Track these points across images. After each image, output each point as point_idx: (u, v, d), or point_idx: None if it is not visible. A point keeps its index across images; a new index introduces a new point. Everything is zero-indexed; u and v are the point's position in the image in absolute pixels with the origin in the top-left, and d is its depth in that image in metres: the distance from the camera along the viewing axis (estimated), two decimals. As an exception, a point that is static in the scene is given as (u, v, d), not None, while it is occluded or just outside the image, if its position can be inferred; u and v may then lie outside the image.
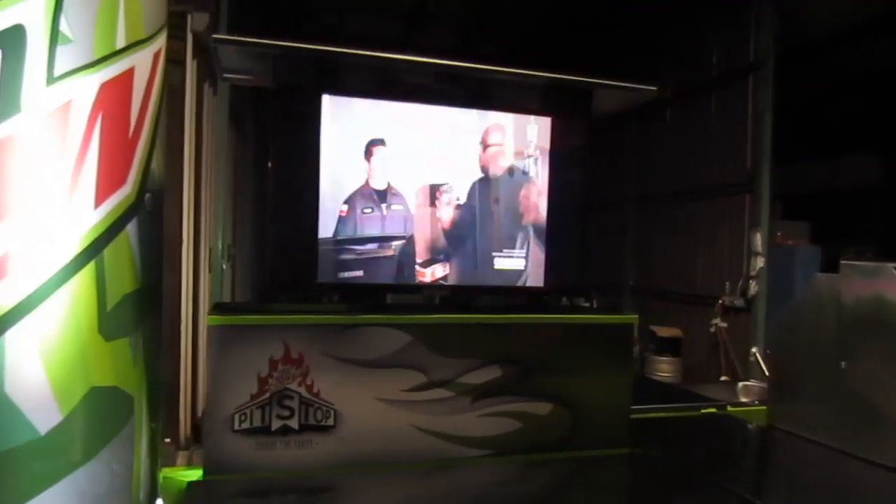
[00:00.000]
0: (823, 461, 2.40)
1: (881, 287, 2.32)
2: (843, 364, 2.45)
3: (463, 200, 2.29)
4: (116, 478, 1.96)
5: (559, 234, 2.40)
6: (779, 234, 6.16)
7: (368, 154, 2.23)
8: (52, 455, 1.78)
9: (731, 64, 6.44)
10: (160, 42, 2.17)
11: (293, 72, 2.13)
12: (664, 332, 6.74)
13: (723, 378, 5.52)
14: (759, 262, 5.99)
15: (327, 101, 2.17)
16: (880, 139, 8.21)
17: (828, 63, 7.38)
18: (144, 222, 2.08)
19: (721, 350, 6.21)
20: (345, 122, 2.21)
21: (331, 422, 2.14)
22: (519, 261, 2.39)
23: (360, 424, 2.17)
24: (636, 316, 2.47)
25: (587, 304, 8.57)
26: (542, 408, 2.36)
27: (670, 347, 6.67)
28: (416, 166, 2.28)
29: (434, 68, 2.23)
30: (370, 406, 2.17)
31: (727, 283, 6.38)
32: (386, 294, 2.32)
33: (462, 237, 2.31)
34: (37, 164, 1.76)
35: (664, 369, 6.63)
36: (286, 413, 2.10)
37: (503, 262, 2.37)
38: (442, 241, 2.29)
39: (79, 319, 1.83)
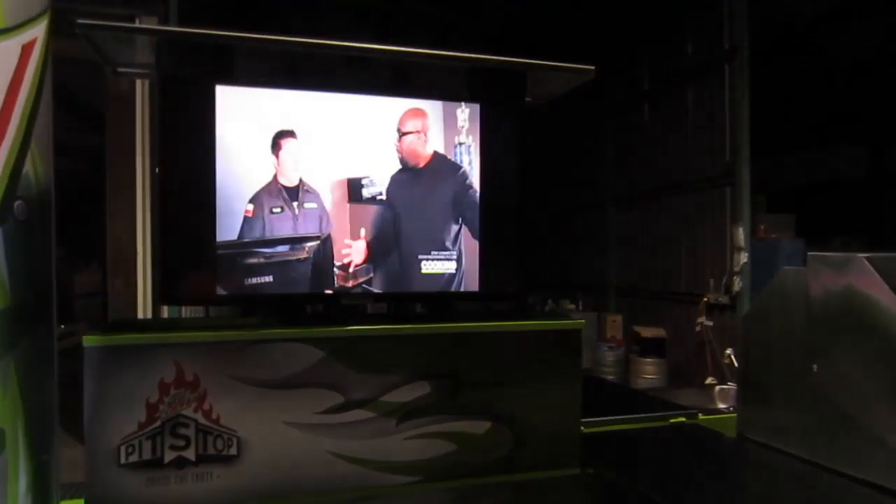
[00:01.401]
0: (794, 476, 2.16)
1: (852, 280, 2.09)
2: (814, 366, 2.21)
3: (384, 196, 2.05)
4: (-20, 524, 1.71)
5: (494, 232, 2.17)
6: (762, 227, 5.95)
7: (276, 148, 2.00)
8: None
9: (707, 53, 6.25)
10: (34, 33, 1.93)
11: (180, 61, 1.89)
12: (648, 332, 6.52)
13: (708, 380, 5.30)
14: (742, 258, 5.77)
15: (222, 92, 1.94)
16: (867, 128, 7.99)
17: (810, 49, 7.17)
18: (14, 233, 1.84)
19: (707, 350, 5.99)
20: (248, 114, 1.98)
21: (234, 451, 1.90)
22: (449, 263, 2.15)
23: (269, 453, 1.93)
24: (582, 321, 2.23)
25: (572, 306, 8.35)
26: (479, 426, 2.12)
27: (655, 348, 6.45)
28: (330, 160, 2.05)
29: (343, 52, 2.00)
30: (279, 432, 1.93)
31: (711, 280, 6.18)
32: (300, 304, 2.07)
33: (384, 237, 2.08)
34: None
35: (648, 371, 6.40)
36: (181, 443, 1.86)
37: (431, 266, 2.14)
38: (363, 242, 2.05)
39: (-79, 347, 1.59)
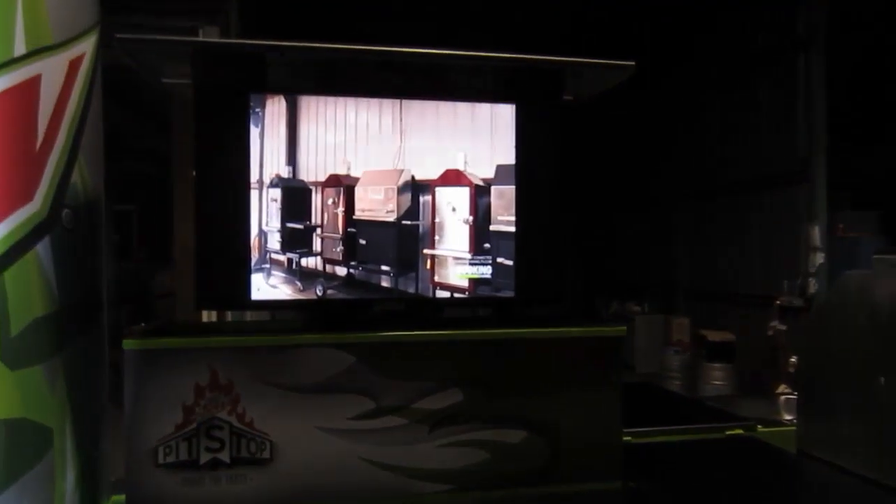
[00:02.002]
0: (856, 499, 2.00)
1: (923, 286, 1.92)
2: (882, 379, 2.05)
3: (421, 199, 2.04)
4: (29, 517, 1.79)
5: (531, 236, 2.11)
6: (840, 225, 5.61)
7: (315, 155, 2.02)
8: (-55, 496, 1.63)
9: (779, 40, 5.94)
10: (81, 49, 2.02)
11: (214, 71, 1.93)
12: (715, 336, 6.24)
13: (780, 389, 5.03)
14: (819, 258, 5.46)
15: (264, 101, 1.96)
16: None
17: (893, 32, 6.70)
18: (62, 240, 1.93)
19: (780, 356, 5.69)
20: (282, 122, 2.00)
21: (266, 454, 1.93)
22: (485, 268, 2.11)
23: (301, 457, 1.94)
24: (622, 328, 2.14)
25: (638, 308, 8.13)
26: (514, 435, 2.07)
27: (722, 353, 6.16)
28: (370, 164, 2.04)
29: (376, 56, 1.99)
30: (311, 436, 1.94)
31: (785, 281, 5.87)
32: (332, 309, 2.08)
33: (420, 241, 2.06)
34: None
35: (716, 377, 6.12)
36: (216, 445, 1.90)
37: (465, 270, 2.10)
38: (396, 247, 2.04)
39: (-27, 349, 1.68)
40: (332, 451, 1.95)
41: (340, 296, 2.06)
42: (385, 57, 2.01)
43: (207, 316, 4.59)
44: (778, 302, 5.76)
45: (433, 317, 2.18)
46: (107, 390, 2.16)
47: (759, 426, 2.67)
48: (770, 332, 5.82)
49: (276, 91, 2.00)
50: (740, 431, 2.64)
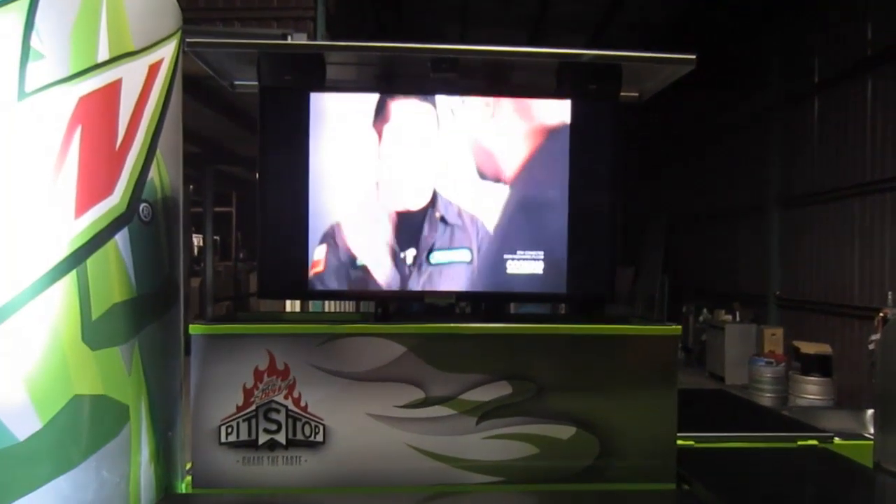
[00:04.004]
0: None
1: None
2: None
3: (471, 194, 2.07)
4: (107, 485, 1.95)
5: (584, 232, 2.10)
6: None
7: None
8: (32, 461, 1.81)
9: (890, 37, 5.57)
10: (161, 54, 2.19)
11: (277, 72, 2.04)
12: (810, 348, 5.91)
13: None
14: (925, 267, 5.08)
15: (318, 99, 2.06)
16: None
17: None
18: (140, 232, 2.09)
19: (881, 370, 5.32)
20: (350, 123, 2.09)
21: (320, 438, 2.01)
22: (536, 264, 2.11)
23: (351, 442, 2.01)
24: (678, 328, 2.08)
25: (728, 317, 7.79)
26: (563, 431, 2.06)
27: (818, 366, 5.83)
28: (416, 163, 2.10)
29: (432, 54, 2.04)
30: (361, 422, 2.01)
31: (889, 293, 5.49)
32: (385, 300, 2.15)
33: (470, 236, 2.09)
34: (11, 177, 1.82)
35: (811, 391, 5.80)
36: (273, 427, 2.00)
37: (518, 266, 2.11)
38: (447, 242, 2.08)
39: (59, 328, 1.86)
40: (380, 437, 2.01)
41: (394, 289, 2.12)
42: (440, 55, 2.06)
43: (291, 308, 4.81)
44: (881, 314, 5.39)
45: (486, 311, 2.21)
46: (181, 376, 2.32)
47: (836, 439, 2.51)
48: (871, 346, 5.44)
49: (334, 90, 2.09)
50: (814, 443, 2.49)
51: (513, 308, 2.62)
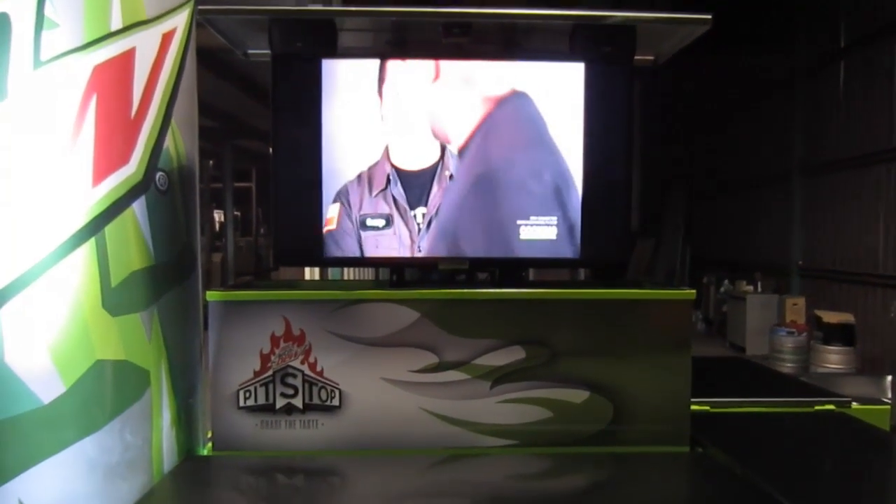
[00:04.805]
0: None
1: None
2: None
3: (480, 158, 2.06)
4: (130, 448, 2.01)
5: (598, 198, 2.09)
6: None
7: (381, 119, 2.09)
8: (57, 424, 1.86)
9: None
10: (174, 23, 2.19)
11: (287, 39, 2.04)
12: (832, 317, 5.85)
13: (901, 371, 4.64)
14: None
15: (331, 66, 2.06)
16: None
17: None
18: (156, 201, 2.12)
19: (906, 339, 5.26)
20: (358, 88, 2.09)
21: (336, 402, 2.04)
22: (550, 229, 2.11)
23: (367, 406, 2.04)
24: (692, 291, 2.07)
25: (749, 287, 7.73)
26: (577, 395, 2.07)
27: (840, 336, 5.77)
28: (426, 126, 2.09)
29: (444, 18, 2.02)
30: (377, 387, 2.04)
31: (915, 259, 5.39)
32: (399, 267, 2.16)
33: (482, 201, 2.09)
34: (29, 146, 1.85)
35: (832, 360, 5.75)
36: (290, 391, 2.04)
37: (531, 231, 2.11)
38: (458, 208, 2.08)
39: (79, 295, 1.90)
40: (396, 401, 2.04)
41: (407, 255, 2.13)
42: (453, 18, 2.04)
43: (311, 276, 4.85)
44: (905, 281, 5.31)
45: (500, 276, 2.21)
46: (200, 343, 2.36)
47: (854, 404, 2.50)
48: (893, 314, 5.38)
49: (346, 57, 2.09)
50: (831, 407, 2.48)
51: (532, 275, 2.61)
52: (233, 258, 9.67)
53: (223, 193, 9.82)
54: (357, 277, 5.16)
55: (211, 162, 9.63)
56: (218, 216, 10.77)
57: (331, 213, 2.08)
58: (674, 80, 9.24)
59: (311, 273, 4.37)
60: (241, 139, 9.72)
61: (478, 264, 2.16)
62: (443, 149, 2.08)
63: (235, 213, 10.55)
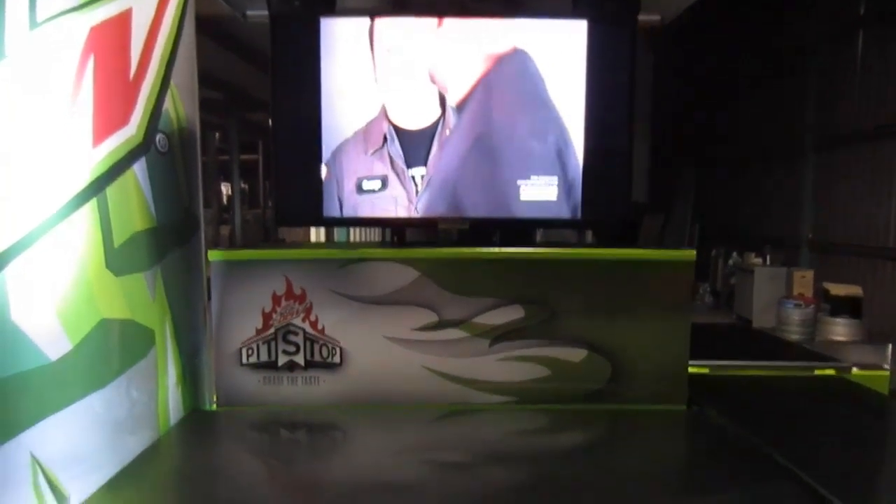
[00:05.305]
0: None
1: None
2: None
3: (481, 116, 2.06)
4: (137, 405, 2.04)
5: (599, 159, 2.08)
6: None
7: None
8: (64, 380, 1.89)
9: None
10: (169, -17, 2.18)
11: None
12: (840, 290, 5.82)
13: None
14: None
15: (330, 24, 2.05)
16: None
17: None
18: (157, 163, 2.13)
19: (914, 311, 5.24)
20: (357, 45, 2.08)
21: (337, 359, 2.07)
22: (550, 189, 2.11)
23: (368, 363, 2.07)
24: (693, 252, 2.07)
25: (758, 260, 7.69)
26: (575, 354, 2.08)
27: (847, 308, 5.74)
28: (426, 81, 2.09)
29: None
30: (378, 345, 2.06)
31: (925, 232, 5.34)
32: (399, 227, 2.17)
33: (482, 160, 2.09)
34: (28, 106, 1.86)
35: (839, 332, 5.73)
36: (292, 349, 2.07)
37: (531, 192, 2.11)
38: (458, 168, 2.09)
39: (83, 255, 1.92)
40: (396, 359, 2.06)
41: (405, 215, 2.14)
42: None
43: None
44: (915, 253, 5.27)
45: (498, 235, 2.22)
46: (204, 305, 2.39)
47: (854, 369, 2.50)
48: (902, 286, 5.35)
49: (344, 15, 2.08)
50: (832, 372, 2.49)
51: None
52: (240, 231, 9.72)
53: (230, 166, 9.84)
54: (363, 239, 5.16)
55: (217, 134, 9.64)
56: (225, 189, 10.83)
57: (329, 172, 2.09)
58: (685, 52, 9.12)
59: (316, 236, 4.39)
60: (248, 112, 9.71)
61: (478, 224, 2.16)
62: (443, 106, 2.07)
63: (243, 185, 10.58)
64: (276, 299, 2.05)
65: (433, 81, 2.07)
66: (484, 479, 1.64)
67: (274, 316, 2.06)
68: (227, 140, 9.87)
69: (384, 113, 2.05)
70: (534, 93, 2.08)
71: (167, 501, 1.50)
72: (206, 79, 2.13)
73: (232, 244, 10.45)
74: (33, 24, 1.83)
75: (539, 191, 2.12)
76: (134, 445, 1.96)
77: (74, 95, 1.89)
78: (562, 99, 2.11)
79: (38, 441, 1.88)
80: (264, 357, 2.07)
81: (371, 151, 2.07)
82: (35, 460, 1.87)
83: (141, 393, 2.07)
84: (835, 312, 5.87)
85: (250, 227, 10.43)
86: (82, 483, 1.82)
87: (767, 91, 8.18)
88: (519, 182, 2.12)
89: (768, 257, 7.63)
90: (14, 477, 1.86)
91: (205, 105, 2.36)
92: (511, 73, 2.07)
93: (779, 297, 6.75)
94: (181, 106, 2.23)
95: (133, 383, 2.04)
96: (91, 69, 1.91)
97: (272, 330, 2.06)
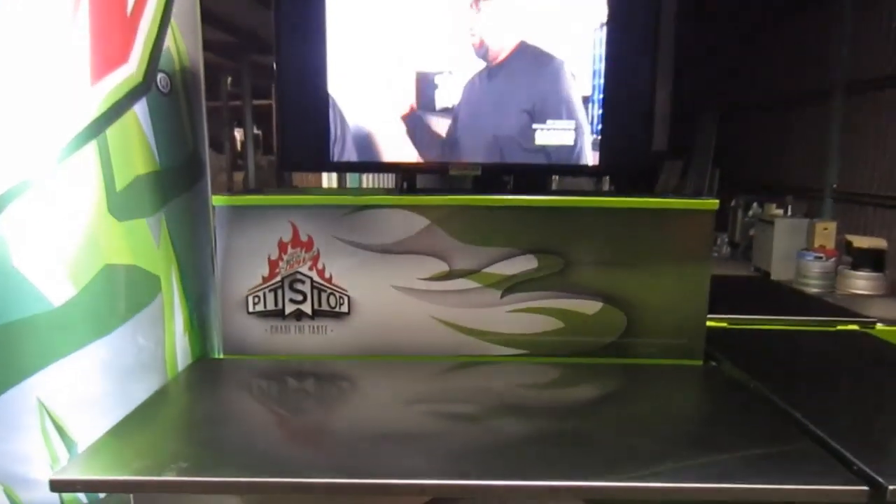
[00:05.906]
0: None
1: None
2: None
3: (497, 59, 1.96)
4: (144, 351, 2.03)
5: (618, 104, 1.98)
6: None
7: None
8: (69, 326, 1.87)
9: None
10: (169, -81, 2.07)
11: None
12: (862, 242, 5.69)
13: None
14: None
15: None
16: None
17: None
18: (159, 104, 2.06)
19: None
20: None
21: (345, 308, 2.03)
22: (567, 134, 2.02)
23: (376, 313, 2.03)
24: (714, 202, 1.98)
25: (779, 211, 7.53)
26: (589, 306, 2.02)
27: (870, 261, 5.62)
28: (447, 25, 1.98)
29: None
30: (386, 294, 2.01)
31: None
32: (409, 172, 2.09)
33: (496, 103, 1.99)
34: (24, 43, 1.78)
35: (860, 286, 5.63)
36: (299, 297, 2.03)
37: (547, 136, 2.02)
38: (472, 113, 1.99)
39: (84, 199, 1.87)
40: (405, 308, 2.01)
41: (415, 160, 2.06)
42: None
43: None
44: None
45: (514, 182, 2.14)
46: (211, 251, 2.35)
47: (878, 325, 2.43)
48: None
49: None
50: (855, 328, 2.41)
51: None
52: (254, 177, 9.65)
53: (242, 111, 9.70)
54: (377, 185, 5.06)
55: (229, 78, 9.47)
56: (239, 135, 10.72)
57: (336, 116, 2.00)
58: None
59: (329, 183, 4.32)
60: (260, 55, 9.48)
61: (491, 170, 2.08)
62: (460, 49, 1.97)
63: (256, 131, 10.47)
64: (282, 246, 2.00)
65: (450, 23, 1.96)
66: (494, 430, 1.60)
67: (280, 264, 2.01)
68: (240, 84, 9.70)
69: (397, 54, 1.95)
70: (552, 34, 1.97)
71: (174, 446, 1.48)
72: (216, 20, 2.03)
73: (247, 190, 10.36)
74: (24, -47, 1.74)
75: (555, 136, 2.03)
76: (142, 392, 1.95)
77: (69, 30, 1.81)
78: (581, 41, 1.99)
79: (45, 387, 1.87)
80: (271, 305, 2.03)
81: (380, 95, 1.98)
82: (42, 405, 1.87)
83: (148, 340, 2.04)
84: (857, 265, 5.76)
85: (264, 174, 10.36)
86: (90, 429, 1.81)
87: (793, 32, 7.86)
88: (535, 125, 2.02)
89: (790, 208, 7.47)
90: (22, 421, 1.87)
91: (215, 48, 2.27)
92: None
93: (799, 249, 6.63)
94: (183, 44, 2.14)
95: (139, 330, 2.02)
96: (87, 4, 1.83)
97: (279, 278, 2.01)
